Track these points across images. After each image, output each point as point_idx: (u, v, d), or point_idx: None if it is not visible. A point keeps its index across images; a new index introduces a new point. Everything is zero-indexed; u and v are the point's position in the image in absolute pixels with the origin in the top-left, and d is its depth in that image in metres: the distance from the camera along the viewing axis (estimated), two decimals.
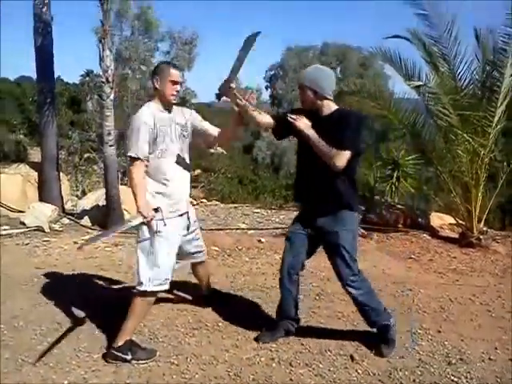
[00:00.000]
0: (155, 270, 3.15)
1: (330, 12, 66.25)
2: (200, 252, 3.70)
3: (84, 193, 10.97)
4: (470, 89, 6.30)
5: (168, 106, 3.21)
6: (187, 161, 3.39)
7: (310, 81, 3.10)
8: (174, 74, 3.17)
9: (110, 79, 6.62)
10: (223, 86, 3.10)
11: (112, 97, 6.72)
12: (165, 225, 3.14)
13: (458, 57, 6.21)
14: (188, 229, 3.46)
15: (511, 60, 5.75)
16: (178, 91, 3.21)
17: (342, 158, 2.97)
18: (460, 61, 6.21)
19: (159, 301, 3.90)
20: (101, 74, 6.79)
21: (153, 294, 3.20)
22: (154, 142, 3.13)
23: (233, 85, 3.10)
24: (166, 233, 3.16)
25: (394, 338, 3.29)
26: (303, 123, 3.07)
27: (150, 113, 3.13)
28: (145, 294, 3.16)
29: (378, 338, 3.30)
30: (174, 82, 3.17)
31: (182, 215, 3.34)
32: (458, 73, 6.25)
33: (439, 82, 6.12)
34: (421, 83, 6.17)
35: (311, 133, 3.03)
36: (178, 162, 3.28)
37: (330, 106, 3.13)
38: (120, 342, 3.16)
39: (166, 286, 3.22)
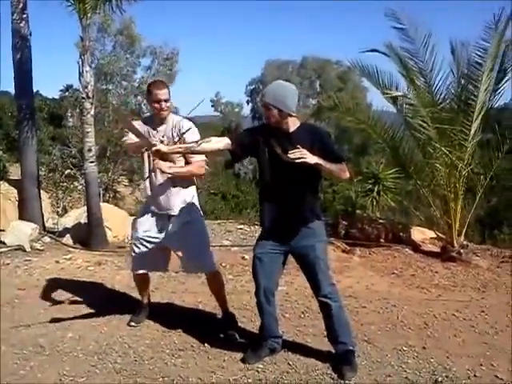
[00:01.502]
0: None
1: (310, 25, 67.11)
2: None
3: (65, 210, 10.87)
4: (447, 102, 6.42)
5: (160, 120, 3.58)
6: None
7: (275, 100, 3.08)
8: (155, 93, 3.50)
9: (90, 95, 6.60)
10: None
11: (92, 112, 6.69)
12: None
13: (434, 70, 6.30)
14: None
15: (486, 74, 5.89)
16: (163, 107, 3.52)
17: (347, 169, 3.11)
18: (436, 74, 6.30)
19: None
20: (80, 89, 6.76)
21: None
22: None
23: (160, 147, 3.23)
24: None
25: (356, 363, 3.29)
26: (311, 157, 2.90)
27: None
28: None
29: (340, 360, 3.27)
30: (158, 101, 3.50)
31: None
32: (434, 86, 6.34)
33: (416, 96, 6.23)
34: (399, 93, 6.27)
35: (322, 161, 2.95)
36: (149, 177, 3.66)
37: (294, 122, 3.17)
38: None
39: None
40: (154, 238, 3.69)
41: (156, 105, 3.50)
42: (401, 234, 6.87)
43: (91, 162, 6.64)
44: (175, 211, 3.61)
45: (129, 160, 15.79)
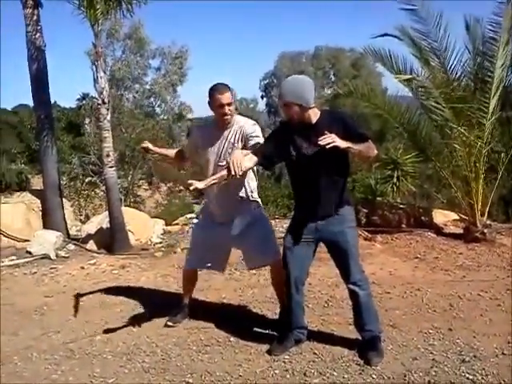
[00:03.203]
0: None
1: (322, 15, 66.48)
2: None
3: (88, 217, 11.03)
4: (463, 81, 6.33)
5: (223, 125, 3.46)
6: None
7: (294, 96, 3.05)
8: (217, 98, 3.36)
9: (106, 100, 6.68)
10: None
11: (109, 118, 6.77)
12: None
13: (448, 50, 6.24)
14: None
15: (501, 49, 5.78)
16: (226, 112, 3.39)
17: (374, 146, 3.14)
18: (451, 54, 6.25)
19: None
20: (96, 96, 6.86)
21: None
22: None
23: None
24: None
25: (383, 348, 3.29)
26: (340, 141, 2.92)
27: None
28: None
29: (367, 347, 3.27)
30: (221, 106, 3.37)
31: None
32: (449, 66, 6.29)
33: (430, 75, 6.15)
34: (409, 76, 6.20)
35: (350, 144, 2.97)
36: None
37: (315, 113, 3.15)
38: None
39: None
40: (214, 235, 3.63)
41: (219, 110, 3.37)
42: (422, 218, 6.82)
43: (110, 167, 6.72)
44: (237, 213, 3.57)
45: (147, 164, 15.97)
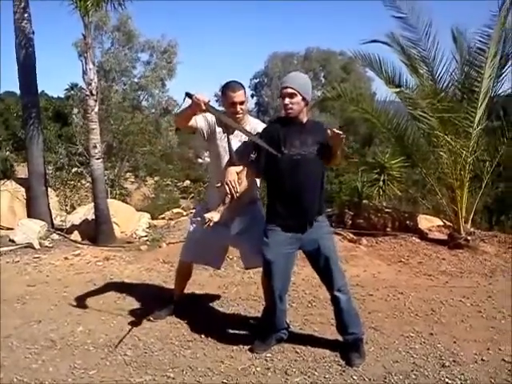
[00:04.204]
0: None
1: (313, 17, 66.79)
2: None
3: (73, 207, 10.90)
4: (450, 90, 6.41)
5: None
6: None
7: (301, 88, 3.09)
8: (230, 96, 3.31)
9: (94, 92, 6.63)
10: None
11: (96, 109, 6.71)
12: None
13: (436, 58, 6.32)
14: None
15: (489, 61, 5.86)
16: (238, 111, 3.32)
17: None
18: (439, 62, 6.32)
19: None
20: (84, 87, 6.80)
21: None
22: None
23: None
24: None
25: (364, 350, 3.32)
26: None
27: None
28: None
29: (349, 348, 3.29)
30: (233, 104, 3.31)
31: None
32: (437, 74, 6.35)
33: (418, 84, 6.21)
34: (397, 90, 6.25)
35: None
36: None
37: (307, 113, 3.21)
38: None
39: None
40: (213, 232, 3.52)
41: (231, 108, 3.32)
42: (407, 222, 6.88)
43: (97, 159, 6.68)
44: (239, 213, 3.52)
45: (134, 156, 15.86)
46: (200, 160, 30.06)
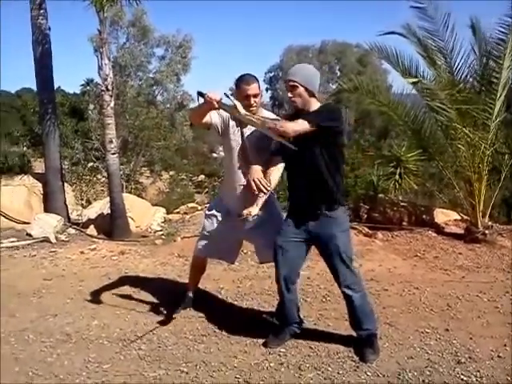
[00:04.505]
0: None
1: (329, 9, 66.36)
2: None
3: (89, 202, 11.01)
4: (468, 82, 6.30)
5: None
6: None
7: (302, 78, 3.10)
8: (244, 88, 3.30)
9: (110, 87, 6.65)
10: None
11: (112, 105, 6.74)
12: None
13: (454, 50, 6.21)
14: None
15: (509, 50, 5.75)
16: (251, 103, 3.30)
17: (289, 124, 3.03)
18: (457, 54, 6.21)
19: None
20: (100, 82, 6.83)
21: None
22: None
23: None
24: None
25: (378, 346, 3.29)
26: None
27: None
28: None
29: (363, 344, 3.27)
30: (247, 96, 3.29)
31: None
32: (455, 66, 6.25)
33: (436, 76, 6.12)
34: (416, 79, 6.16)
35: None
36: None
37: (316, 103, 3.17)
38: None
39: None
40: (228, 227, 3.58)
41: (245, 101, 3.27)
42: (423, 216, 6.81)
43: (113, 154, 6.72)
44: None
45: (149, 151, 15.94)
46: (214, 154, 30.14)
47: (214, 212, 3.71)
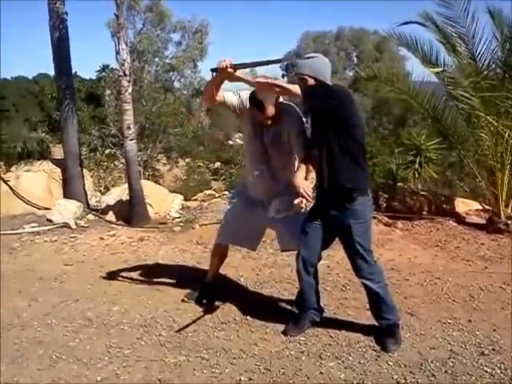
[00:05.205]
0: None
1: None
2: None
3: (107, 188, 11.08)
4: (491, 69, 6.17)
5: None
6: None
7: (311, 70, 3.09)
8: (259, 116, 3.31)
9: (127, 72, 6.62)
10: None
11: (130, 90, 6.72)
12: None
13: (476, 36, 6.07)
14: None
15: None
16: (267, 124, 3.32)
17: (279, 81, 3.25)
18: (479, 40, 6.08)
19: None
20: (117, 67, 6.81)
21: None
22: None
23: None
24: None
25: (400, 336, 3.26)
26: None
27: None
28: None
29: (384, 333, 3.25)
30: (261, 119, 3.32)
31: None
32: (477, 53, 6.11)
33: (457, 63, 6.00)
34: (440, 69, 6.07)
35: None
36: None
37: None
38: None
39: None
40: (252, 214, 3.59)
41: (261, 120, 3.32)
42: (444, 206, 6.73)
43: (131, 140, 6.71)
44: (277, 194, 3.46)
45: (167, 138, 15.94)
46: (230, 142, 30.11)
47: (237, 199, 3.70)
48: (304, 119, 3.38)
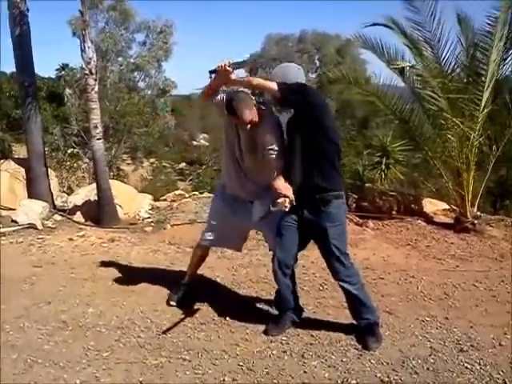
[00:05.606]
0: None
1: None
2: None
3: (70, 189, 10.80)
4: (456, 73, 6.33)
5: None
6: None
7: (284, 77, 3.19)
8: (236, 118, 3.24)
9: (94, 71, 6.46)
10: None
11: (96, 89, 6.55)
12: None
13: (441, 41, 6.20)
14: None
15: (496, 43, 5.79)
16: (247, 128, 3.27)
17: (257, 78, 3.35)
18: (444, 45, 6.21)
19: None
20: (83, 66, 6.64)
21: None
22: None
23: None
24: None
25: (381, 334, 3.30)
26: None
27: None
28: None
29: (365, 332, 3.28)
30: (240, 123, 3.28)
31: None
32: (442, 57, 6.25)
33: (423, 66, 6.14)
34: (408, 64, 6.18)
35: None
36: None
37: None
38: None
39: None
40: (236, 215, 3.55)
41: (241, 124, 3.29)
42: (412, 205, 6.84)
43: (98, 139, 6.54)
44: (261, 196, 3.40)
45: (131, 138, 15.69)
46: (195, 142, 29.94)
47: (219, 201, 3.66)
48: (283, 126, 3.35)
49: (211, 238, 3.69)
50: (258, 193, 3.40)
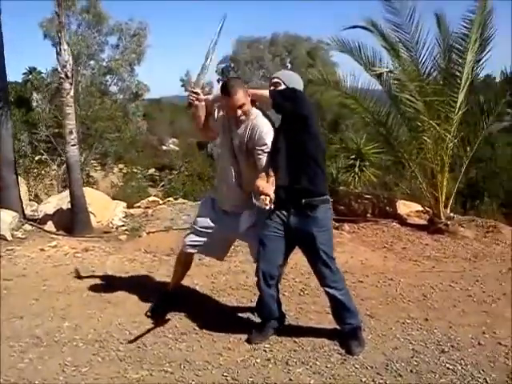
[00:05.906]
0: None
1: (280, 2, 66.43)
2: None
3: (37, 197, 10.52)
4: (433, 75, 6.42)
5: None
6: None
7: (287, 79, 3.29)
8: (228, 100, 3.20)
9: (69, 74, 6.29)
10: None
11: (72, 93, 6.38)
12: None
13: (419, 43, 6.27)
14: None
15: (471, 45, 5.90)
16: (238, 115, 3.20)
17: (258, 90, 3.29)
18: (422, 47, 6.28)
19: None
20: (59, 69, 6.46)
21: None
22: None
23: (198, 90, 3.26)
24: None
25: (363, 338, 3.30)
26: None
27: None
28: None
29: (348, 337, 3.26)
30: (232, 108, 3.22)
31: None
32: (420, 59, 6.33)
33: (402, 69, 6.20)
34: (387, 69, 6.24)
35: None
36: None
37: None
38: None
39: None
40: (221, 225, 3.49)
41: (231, 112, 3.23)
42: (387, 208, 6.90)
43: (73, 145, 6.36)
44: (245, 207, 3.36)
45: (102, 143, 15.44)
46: (164, 147, 29.64)
47: (206, 209, 3.59)
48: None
49: (196, 243, 3.59)
50: (247, 204, 3.32)
